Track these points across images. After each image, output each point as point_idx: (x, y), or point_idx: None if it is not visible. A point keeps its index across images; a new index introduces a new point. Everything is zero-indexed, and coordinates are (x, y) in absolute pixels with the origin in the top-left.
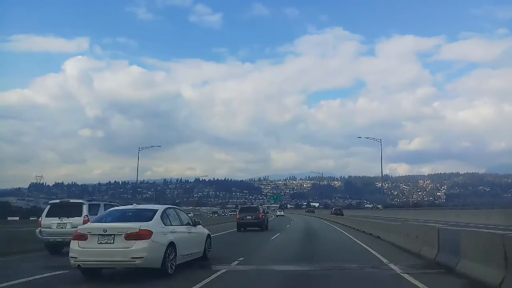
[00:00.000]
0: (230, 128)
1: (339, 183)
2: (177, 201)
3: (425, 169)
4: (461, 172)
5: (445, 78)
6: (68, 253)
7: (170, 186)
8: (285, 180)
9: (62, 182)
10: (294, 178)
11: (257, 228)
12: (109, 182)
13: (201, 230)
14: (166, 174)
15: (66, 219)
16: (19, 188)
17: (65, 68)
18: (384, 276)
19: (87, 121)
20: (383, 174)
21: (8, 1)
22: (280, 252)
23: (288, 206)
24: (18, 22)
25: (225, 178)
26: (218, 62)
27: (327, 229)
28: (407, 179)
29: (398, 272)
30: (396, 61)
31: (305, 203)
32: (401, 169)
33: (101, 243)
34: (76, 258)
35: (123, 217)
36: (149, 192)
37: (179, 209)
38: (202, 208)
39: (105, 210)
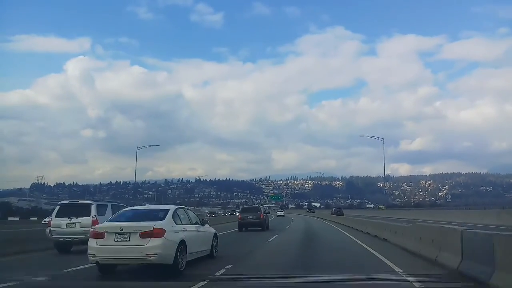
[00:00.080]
0: (231, 128)
1: (341, 183)
2: (178, 201)
3: (427, 169)
4: (463, 172)
5: (447, 77)
6: (76, 252)
7: (171, 186)
8: (287, 180)
9: (64, 183)
10: (295, 178)
11: (258, 228)
12: (111, 182)
13: (209, 229)
14: (167, 175)
15: (75, 219)
16: (21, 188)
17: (67, 68)
18: None
19: (88, 122)
20: (385, 174)
21: (9, 1)
22: (276, 256)
23: (289, 206)
24: (20, 22)
25: (226, 179)
26: (219, 62)
27: (327, 230)
28: (408, 179)
29: (417, 286)
30: (398, 60)
31: (306, 203)
32: (402, 169)
33: (117, 240)
34: (94, 255)
35: (137, 216)
36: (150, 192)
37: (188, 209)
38: (203, 208)
39: (112, 210)
